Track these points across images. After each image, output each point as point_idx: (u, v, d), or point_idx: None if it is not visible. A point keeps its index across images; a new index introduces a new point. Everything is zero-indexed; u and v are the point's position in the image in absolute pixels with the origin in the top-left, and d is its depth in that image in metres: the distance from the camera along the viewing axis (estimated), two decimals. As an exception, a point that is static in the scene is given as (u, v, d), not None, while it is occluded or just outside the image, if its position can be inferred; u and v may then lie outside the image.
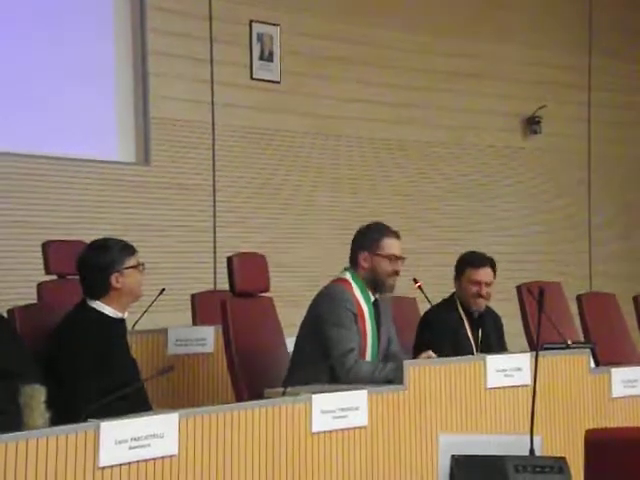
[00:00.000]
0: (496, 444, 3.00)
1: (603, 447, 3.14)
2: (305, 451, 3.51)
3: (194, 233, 7.43)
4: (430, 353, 4.44)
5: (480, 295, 5.05)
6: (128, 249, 3.92)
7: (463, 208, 8.97)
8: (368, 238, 4.48)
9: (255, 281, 5.04)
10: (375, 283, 4.45)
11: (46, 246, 5.59)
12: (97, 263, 3.84)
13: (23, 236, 6.51)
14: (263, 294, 5.11)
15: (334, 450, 3.61)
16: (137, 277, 3.90)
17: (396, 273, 4.45)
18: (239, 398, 4.63)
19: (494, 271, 5.14)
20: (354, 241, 4.54)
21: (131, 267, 3.87)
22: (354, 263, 4.49)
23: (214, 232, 7.53)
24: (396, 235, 4.52)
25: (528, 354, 4.35)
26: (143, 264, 3.94)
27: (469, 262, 5.16)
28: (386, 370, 4.20)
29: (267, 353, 4.89)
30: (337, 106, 8.18)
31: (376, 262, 4.43)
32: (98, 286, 3.84)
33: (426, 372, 4.01)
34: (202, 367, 5.44)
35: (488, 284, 5.07)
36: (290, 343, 4.74)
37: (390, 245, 4.46)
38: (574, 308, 6.39)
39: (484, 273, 5.08)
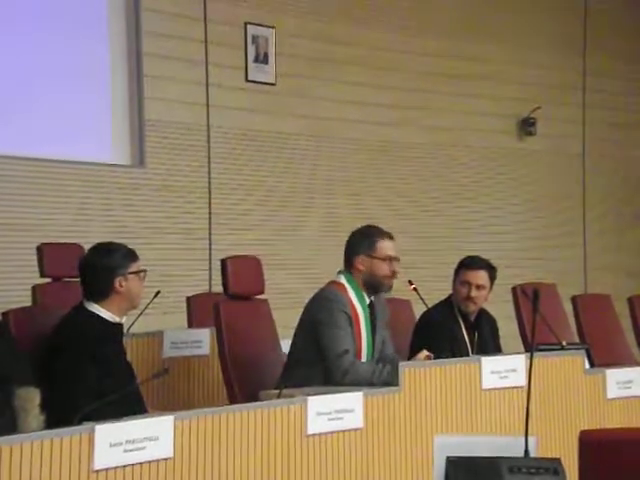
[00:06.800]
0: (491, 445, 3.00)
1: (598, 448, 3.14)
2: (300, 453, 3.51)
3: (189, 235, 7.43)
4: (427, 353, 4.46)
5: (468, 297, 5.04)
6: (132, 255, 3.94)
7: (458, 209, 8.98)
8: (363, 241, 4.52)
9: (249, 283, 5.04)
10: (373, 285, 4.50)
11: (41, 249, 5.58)
12: (102, 266, 3.84)
13: (18, 239, 6.50)
14: (258, 296, 5.12)
15: (329, 452, 3.61)
16: (138, 284, 3.91)
17: (393, 274, 4.52)
18: (232, 400, 4.63)
19: (491, 277, 5.11)
20: (349, 245, 4.57)
21: (133, 272, 3.88)
22: (350, 266, 4.52)
23: (209, 234, 7.53)
24: (389, 236, 4.58)
25: (523, 355, 4.36)
26: (144, 271, 3.95)
27: (464, 263, 5.17)
28: (384, 373, 4.21)
29: (261, 355, 4.89)
30: (332, 108, 8.18)
31: (373, 264, 4.48)
32: (100, 289, 3.84)
33: (421, 374, 4.01)
34: (198, 369, 5.44)
35: (479, 287, 5.04)
36: (286, 345, 4.75)
37: (385, 247, 4.51)
38: (569, 309, 6.40)
39: (475, 275, 5.06)
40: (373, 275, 4.48)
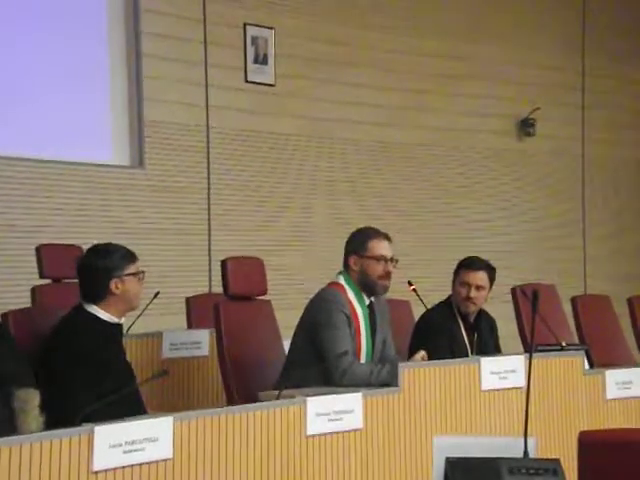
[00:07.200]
0: (490, 446, 3.00)
1: (597, 449, 3.14)
2: (300, 454, 3.51)
3: (189, 236, 7.43)
4: (423, 353, 4.45)
5: (468, 297, 5.03)
6: (130, 256, 3.91)
7: (458, 210, 8.98)
8: (356, 241, 4.51)
9: (249, 284, 5.04)
10: (367, 285, 4.46)
11: (40, 250, 5.58)
12: (98, 267, 3.82)
13: (17, 240, 6.51)
14: (260, 297, 5.11)
15: (329, 453, 3.61)
16: (135, 285, 3.87)
17: (387, 274, 4.45)
18: (230, 401, 4.63)
19: (490, 278, 5.09)
20: (345, 245, 4.56)
21: (131, 274, 3.86)
22: (346, 267, 4.51)
23: (209, 235, 7.53)
24: (384, 237, 4.53)
25: (522, 356, 4.35)
26: (143, 272, 3.92)
27: (464, 264, 5.15)
28: (383, 374, 4.19)
29: (261, 356, 4.89)
30: (331, 109, 8.19)
31: (365, 264, 4.44)
32: (97, 290, 3.83)
33: (421, 374, 4.01)
34: (197, 370, 5.44)
35: (478, 288, 5.02)
36: (285, 346, 4.74)
37: (377, 246, 4.47)
38: (568, 310, 6.40)
39: (474, 276, 5.04)
40: (366, 275, 4.44)
